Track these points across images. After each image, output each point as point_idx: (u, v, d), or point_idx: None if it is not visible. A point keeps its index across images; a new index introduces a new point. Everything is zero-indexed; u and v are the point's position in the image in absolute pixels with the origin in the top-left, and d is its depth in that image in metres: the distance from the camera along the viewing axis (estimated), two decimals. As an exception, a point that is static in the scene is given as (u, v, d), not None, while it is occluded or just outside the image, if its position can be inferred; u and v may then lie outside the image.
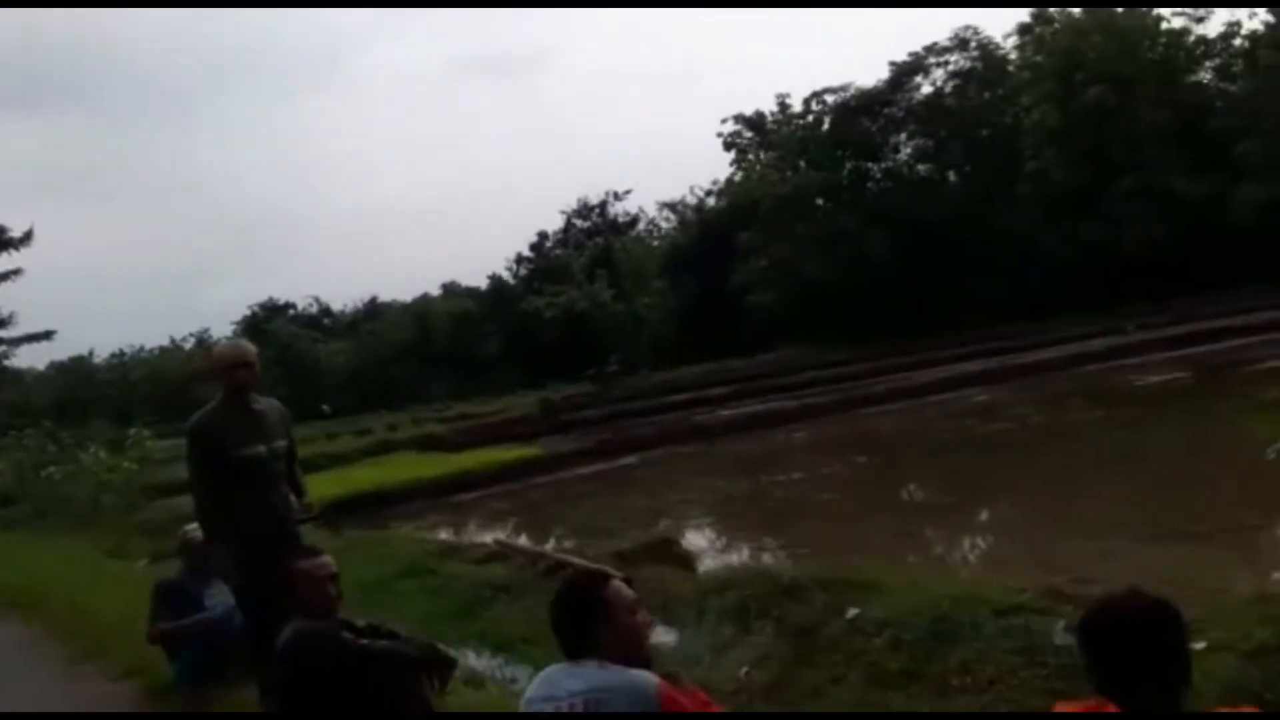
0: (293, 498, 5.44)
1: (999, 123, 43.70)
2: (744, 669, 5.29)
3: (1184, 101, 39.16)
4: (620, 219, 57.75)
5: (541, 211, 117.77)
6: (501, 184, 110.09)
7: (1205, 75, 42.65)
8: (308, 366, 50.35)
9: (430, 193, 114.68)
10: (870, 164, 46.35)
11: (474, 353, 53.84)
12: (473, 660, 6.60)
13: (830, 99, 46.16)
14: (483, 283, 59.67)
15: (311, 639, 3.87)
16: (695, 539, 9.83)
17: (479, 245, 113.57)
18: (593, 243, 53.06)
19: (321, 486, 13.75)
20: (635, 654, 2.89)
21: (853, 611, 5.30)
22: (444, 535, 13.25)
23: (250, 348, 5.37)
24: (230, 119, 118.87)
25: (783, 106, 48.68)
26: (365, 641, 4.04)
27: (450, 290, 64.41)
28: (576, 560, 7.84)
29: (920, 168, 47.27)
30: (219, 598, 6.44)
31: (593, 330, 46.36)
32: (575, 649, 2.85)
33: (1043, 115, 39.78)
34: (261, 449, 5.11)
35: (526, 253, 57.05)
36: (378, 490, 16.57)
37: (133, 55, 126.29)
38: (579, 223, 57.04)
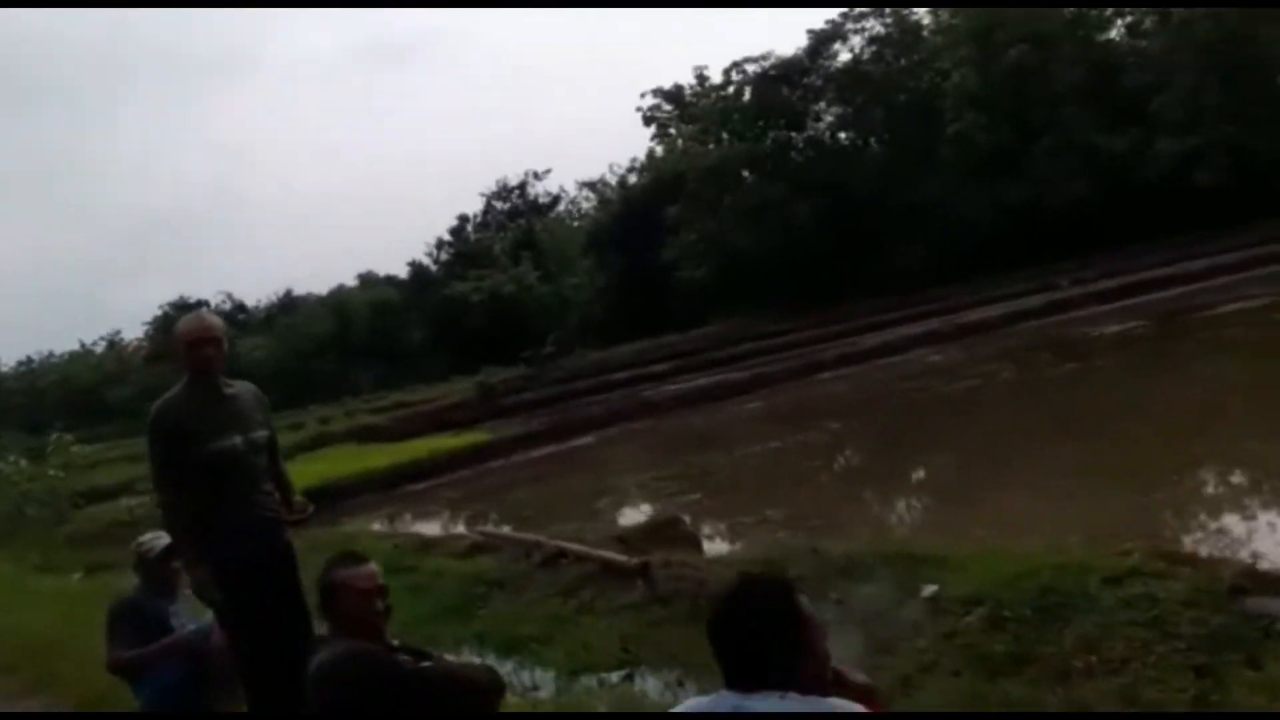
0: (279, 496, 4.68)
1: (916, 88, 43.68)
2: (812, 661, 4.65)
3: (1099, 60, 39.57)
4: (541, 199, 56.79)
5: (457, 197, 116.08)
6: (414, 171, 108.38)
7: (1117, 33, 43.14)
8: (226, 363, 48.36)
9: (341, 183, 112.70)
10: (793, 133, 46.04)
11: (398, 342, 52.60)
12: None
13: (750, 69, 45.70)
14: (402, 271, 58.27)
15: (359, 662, 3.13)
16: (689, 516, 9.13)
17: (394, 234, 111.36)
18: (515, 224, 52.08)
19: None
20: (821, 682, 2.22)
21: (929, 588, 4.71)
22: (411, 528, 12.48)
23: (215, 321, 4.54)
24: (133, 116, 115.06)
25: (701, 79, 48.35)
26: (426, 664, 3.32)
27: (367, 280, 63.06)
28: (575, 547, 7.14)
29: (842, 135, 47.10)
30: (186, 615, 5.62)
31: (520, 313, 45.50)
32: (752, 676, 2.16)
33: (963, 78, 39.82)
34: (237, 440, 4.33)
35: (447, 237, 55.74)
36: (323, 485, 15.50)
37: (27, 53, 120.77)
38: (499, 205, 55.97)
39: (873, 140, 46.35)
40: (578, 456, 17.25)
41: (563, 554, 7.09)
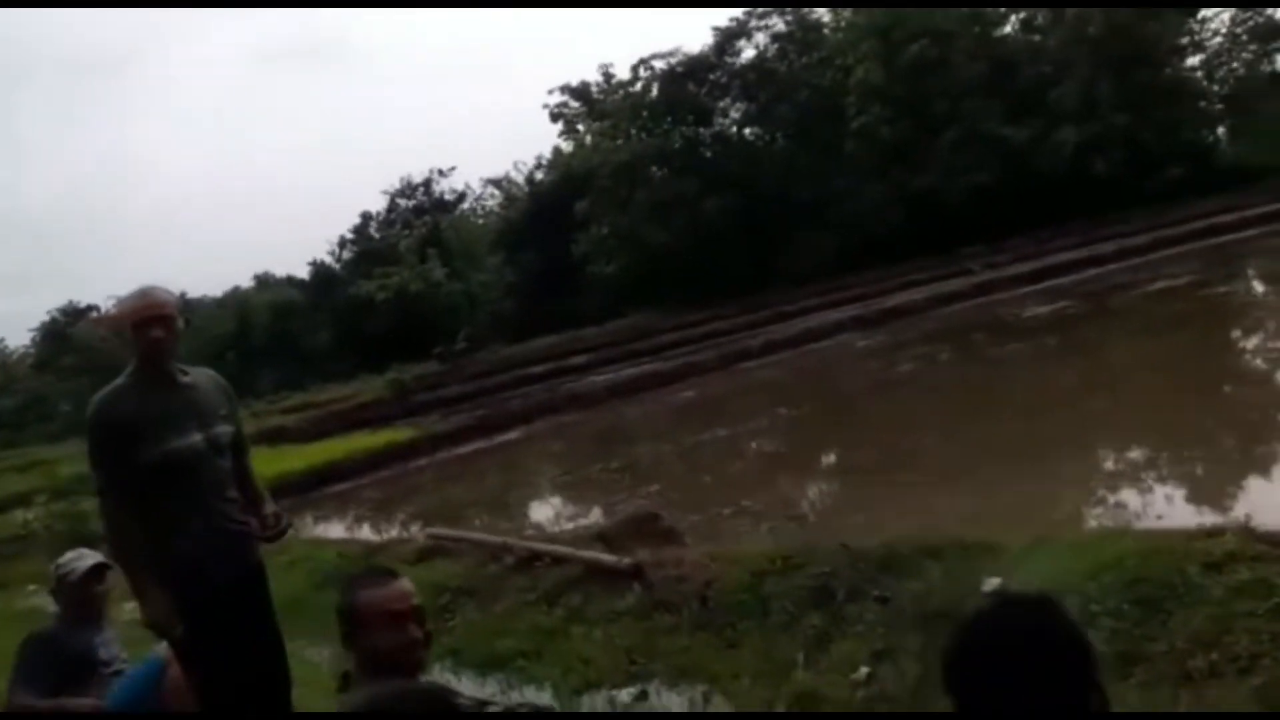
0: (248, 505, 3.87)
1: (819, 85, 43.82)
2: (862, 669, 4.07)
3: (997, 54, 40.30)
4: (446, 196, 55.49)
5: (356, 198, 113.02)
6: (310, 172, 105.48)
7: (1011, 28, 43.86)
8: (119, 370, 45.89)
9: (235, 185, 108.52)
10: (701, 129, 45.88)
11: (300, 344, 50.79)
12: (461, 687, 5.12)
13: (658, 65, 45.39)
14: (302, 270, 56.25)
15: (414, 704, 2.39)
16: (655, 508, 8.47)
17: (290, 235, 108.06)
18: (420, 222, 50.71)
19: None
20: None
21: (993, 582, 4.16)
22: (339, 533, 11.59)
23: (165, 295, 3.74)
24: (16, 114, 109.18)
25: (607, 76, 48.13)
26: (497, 709, 2.62)
27: (265, 281, 60.85)
28: (553, 548, 6.43)
29: (747, 132, 47.12)
30: (117, 646, 4.73)
31: (428, 311, 44.38)
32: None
33: (866, 72, 40.08)
34: (197, 439, 3.59)
35: (349, 235, 54.00)
36: (236, 491, 14.43)
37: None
38: (403, 202, 54.50)
39: (779, 136, 46.42)
40: (508, 452, 16.43)
41: (537, 556, 6.37)
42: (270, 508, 3.92)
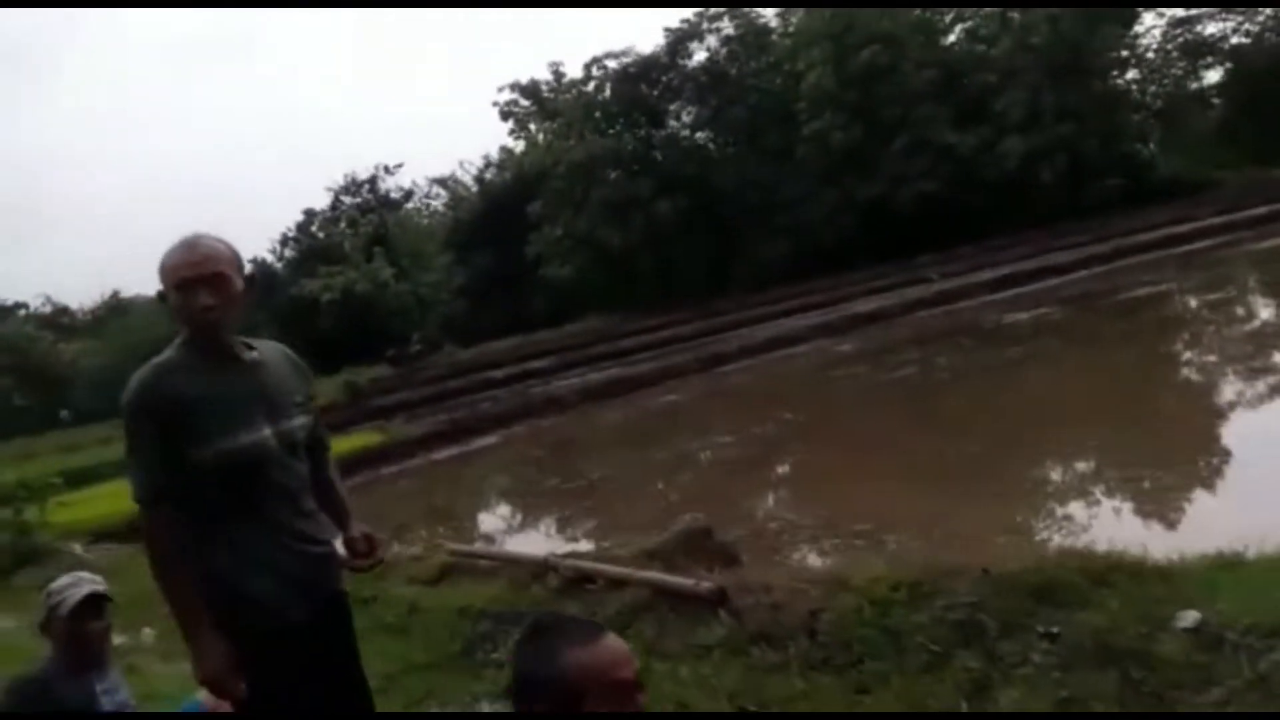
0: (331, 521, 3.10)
1: (769, 89, 43.68)
2: (1047, 723, 3.46)
3: (946, 61, 40.53)
4: (393, 194, 54.30)
5: (293, 197, 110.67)
6: (247, 170, 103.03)
7: (955, 37, 44.06)
8: (49, 371, 44.16)
9: (167, 178, 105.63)
10: (654, 131, 45.54)
11: (242, 345, 49.24)
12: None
13: (611, 65, 44.95)
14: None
15: None
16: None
17: (229, 233, 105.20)
18: (366, 220, 49.58)
19: (115, 503, 10.84)
20: None
21: (1190, 616, 3.57)
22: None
23: (215, 247, 2.79)
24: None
25: (558, 75, 47.62)
26: None
27: (201, 278, 58.94)
28: (613, 570, 5.68)
29: (699, 136, 46.87)
30: (126, 692, 3.92)
31: (376, 313, 43.38)
32: None
33: (818, 78, 40.03)
34: (266, 433, 2.76)
35: (291, 233, 52.47)
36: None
37: None
38: (348, 199, 53.15)
39: (731, 141, 46.19)
40: (488, 457, 15.64)
41: (589, 578, 5.66)
42: (359, 527, 3.10)
